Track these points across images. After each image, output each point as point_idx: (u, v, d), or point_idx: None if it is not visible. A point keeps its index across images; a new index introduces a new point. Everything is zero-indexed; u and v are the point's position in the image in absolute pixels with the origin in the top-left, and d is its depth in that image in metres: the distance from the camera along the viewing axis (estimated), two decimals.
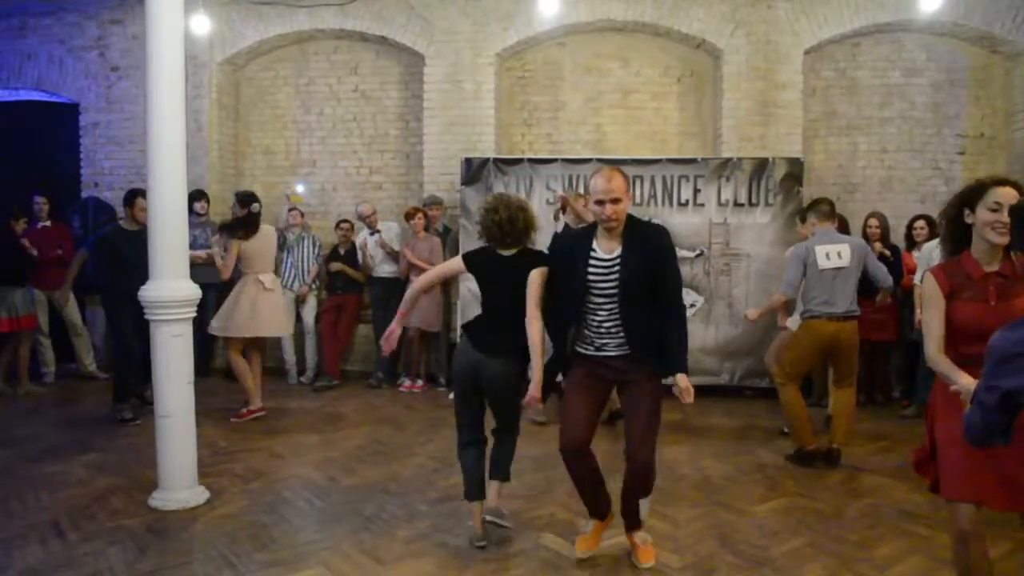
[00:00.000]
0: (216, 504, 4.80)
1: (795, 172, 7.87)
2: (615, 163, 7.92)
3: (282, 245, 8.64)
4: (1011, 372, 2.14)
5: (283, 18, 8.97)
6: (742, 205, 7.90)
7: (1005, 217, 2.90)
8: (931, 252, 6.29)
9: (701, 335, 7.91)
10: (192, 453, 4.86)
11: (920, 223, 7.55)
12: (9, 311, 7.81)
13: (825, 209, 5.90)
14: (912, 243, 7.57)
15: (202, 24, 8.40)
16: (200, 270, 7.65)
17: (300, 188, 9.21)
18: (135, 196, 7.01)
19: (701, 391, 7.75)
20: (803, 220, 6.50)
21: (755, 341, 7.68)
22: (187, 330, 4.81)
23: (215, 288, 8.15)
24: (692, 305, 7.91)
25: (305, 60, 9.40)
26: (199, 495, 4.83)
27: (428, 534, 4.34)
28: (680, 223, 7.91)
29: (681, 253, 7.88)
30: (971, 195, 3.10)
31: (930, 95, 8.69)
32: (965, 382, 2.81)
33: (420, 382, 8.42)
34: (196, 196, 8.36)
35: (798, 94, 8.46)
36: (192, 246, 7.70)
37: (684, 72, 8.94)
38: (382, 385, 8.44)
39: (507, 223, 4.00)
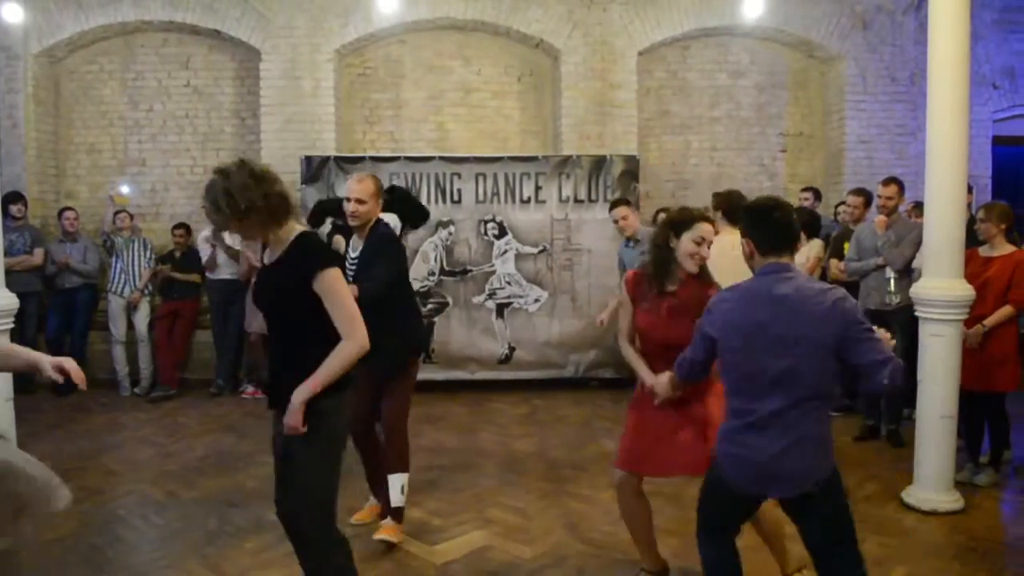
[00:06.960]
0: (43, 529, 4.49)
1: (631, 169, 8.13)
2: (457, 161, 8.04)
3: (111, 249, 8.18)
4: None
5: (105, 8, 8.43)
6: (582, 202, 8.09)
7: (705, 251, 3.39)
8: None
9: (546, 329, 8.08)
10: None
11: None
12: None
13: None
14: None
15: (14, 12, 7.80)
16: (18, 277, 7.22)
17: (125, 189, 8.71)
18: None
19: (549, 384, 8.03)
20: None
21: (598, 334, 7.87)
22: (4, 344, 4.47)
23: (34, 297, 7.67)
24: (537, 300, 8.06)
25: (131, 53, 8.88)
26: None
27: (275, 544, 4.20)
28: (523, 220, 8.06)
29: (524, 249, 8.03)
30: (680, 224, 3.41)
31: (754, 96, 9.19)
32: (644, 373, 3.46)
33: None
34: (12, 198, 7.77)
35: (633, 94, 8.74)
36: (9, 252, 7.24)
37: (524, 71, 9.07)
38: (223, 393, 8.10)
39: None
